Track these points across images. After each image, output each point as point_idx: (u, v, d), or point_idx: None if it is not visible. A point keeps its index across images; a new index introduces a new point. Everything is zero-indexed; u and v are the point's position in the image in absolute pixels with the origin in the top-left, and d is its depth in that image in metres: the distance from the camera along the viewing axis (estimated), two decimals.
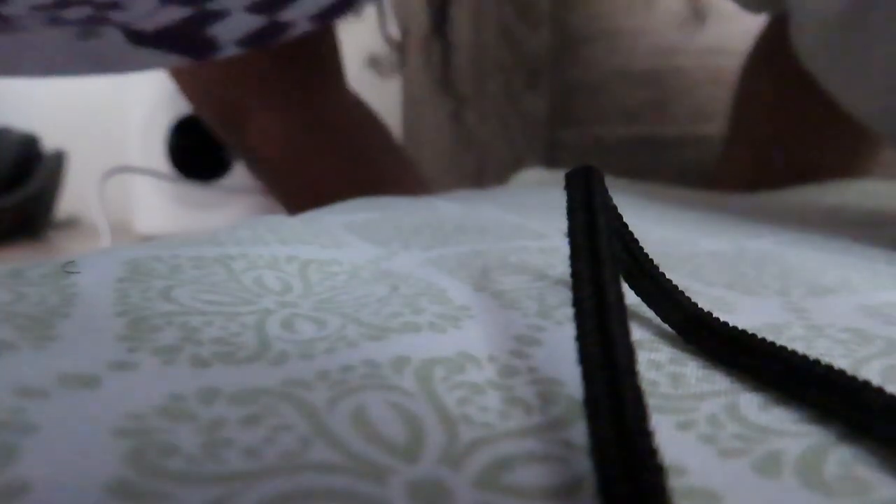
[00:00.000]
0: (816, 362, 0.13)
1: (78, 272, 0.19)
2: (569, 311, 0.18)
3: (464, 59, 0.95)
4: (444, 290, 0.20)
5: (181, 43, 0.35)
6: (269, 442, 0.11)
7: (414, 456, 0.11)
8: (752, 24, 0.84)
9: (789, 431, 0.13)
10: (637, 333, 0.17)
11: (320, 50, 0.51)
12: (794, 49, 0.37)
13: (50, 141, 1.06)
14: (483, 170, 0.97)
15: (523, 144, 0.94)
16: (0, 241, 0.75)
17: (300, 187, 0.55)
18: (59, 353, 0.14)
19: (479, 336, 0.17)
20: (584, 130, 0.93)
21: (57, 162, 0.80)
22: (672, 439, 0.12)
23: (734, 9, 0.85)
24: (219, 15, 0.33)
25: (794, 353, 0.14)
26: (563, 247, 0.26)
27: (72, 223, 0.93)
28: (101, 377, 0.13)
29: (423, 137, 0.97)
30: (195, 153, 0.76)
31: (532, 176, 0.73)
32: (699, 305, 0.17)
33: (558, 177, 0.74)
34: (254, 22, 0.35)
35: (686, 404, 0.14)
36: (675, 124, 0.89)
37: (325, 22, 0.37)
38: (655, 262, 0.17)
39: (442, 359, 0.15)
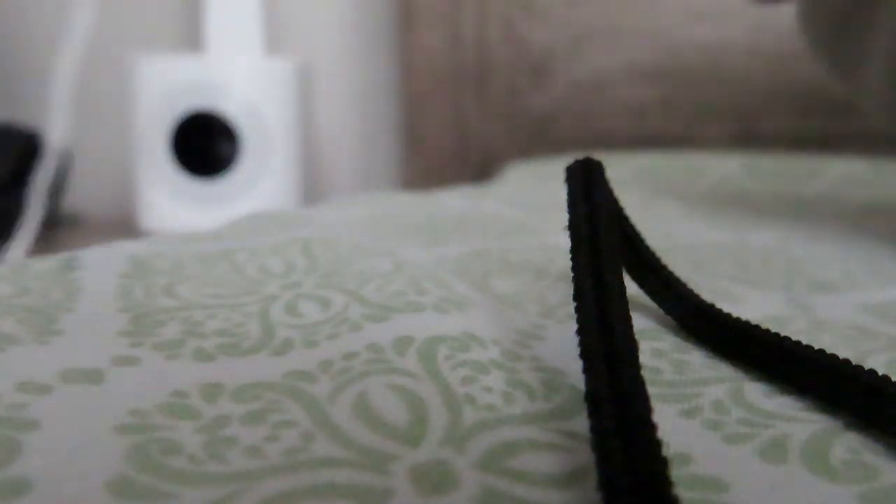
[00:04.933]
0: (821, 352, 0.13)
1: (82, 267, 0.19)
2: (570, 310, 0.18)
3: (468, 55, 0.95)
4: (447, 281, 0.20)
5: None
6: (272, 439, 0.11)
7: (417, 439, 0.11)
8: (758, 20, 0.84)
9: (796, 417, 0.13)
10: (640, 323, 0.17)
11: None
12: (801, 36, 0.37)
13: (54, 138, 1.06)
14: (486, 167, 0.97)
15: (527, 142, 0.94)
16: (3, 238, 0.75)
17: None
18: (63, 348, 0.14)
19: (483, 322, 0.17)
20: (588, 128, 0.92)
21: (61, 159, 0.80)
22: (677, 427, 0.12)
23: (738, 5, 0.84)
24: None
25: (798, 343, 0.14)
26: (563, 241, 0.26)
27: (77, 220, 0.93)
28: (104, 372, 0.13)
29: (425, 133, 0.97)
30: (199, 150, 0.76)
31: (524, 169, 0.73)
32: (701, 297, 0.17)
33: (553, 168, 0.74)
34: None
35: (691, 391, 0.14)
36: (679, 122, 0.89)
37: None
38: (657, 254, 0.17)
39: (446, 337, 0.15)
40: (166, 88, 0.71)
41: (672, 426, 0.12)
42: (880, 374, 0.12)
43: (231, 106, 0.72)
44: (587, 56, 0.92)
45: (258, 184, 0.73)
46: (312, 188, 1.09)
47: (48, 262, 0.19)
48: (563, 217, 0.31)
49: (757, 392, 0.14)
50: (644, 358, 0.15)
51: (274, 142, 0.74)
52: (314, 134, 1.06)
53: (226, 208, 0.74)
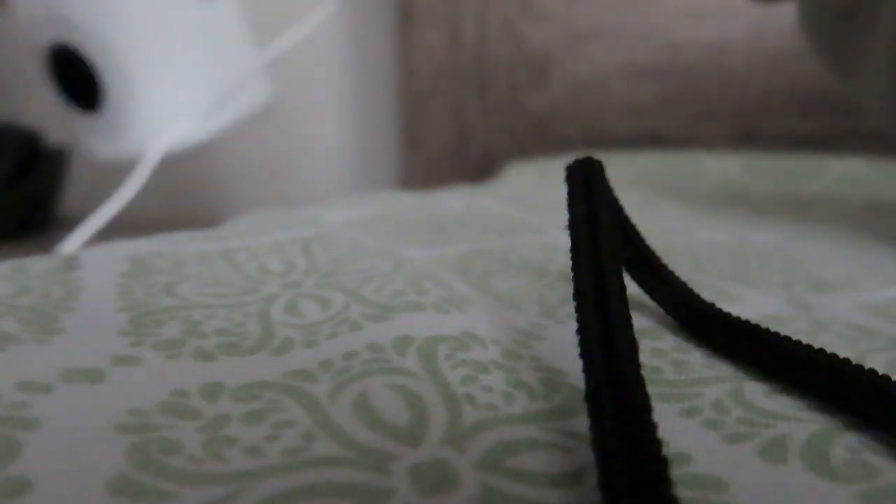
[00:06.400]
0: (822, 352, 0.13)
1: (82, 267, 0.19)
2: (570, 310, 0.18)
3: (467, 54, 0.95)
4: (447, 281, 0.20)
5: None
6: (272, 439, 0.11)
7: (417, 439, 0.11)
8: (758, 20, 0.84)
9: (796, 417, 0.13)
10: (640, 322, 0.17)
11: None
12: (801, 36, 0.37)
13: (52, 137, 1.06)
14: (486, 167, 0.97)
15: (527, 141, 0.94)
16: (2, 237, 0.75)
17: None
18: (63, 347, 0.14)
19: (483, 322, 0.17)
20: (588, 127, 0.93)
21: (59, 159, 0.80)
22: (677, 426, 0.12)
23: (739, 5, 0.84)
24: None
25: (798, 342, 0.14)
26: (563, 241, 0.26)
27: (74, 220, 0.93)
28: (104, 372, 0.13)
29: (425, 133, 0.97)
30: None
31: (524, 168, 0.73)
32: (701, 297, 0.17)
33: (553, 168, 0.74)
34: None
35: (691, 390, 0.14)
36: (679, 122, 0.89)
37: None
38: (657, 254, 0.17)
39: (446, 337, 0.15)
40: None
41: (672, 426, 0.12)
42: (880, 374, 0.12)
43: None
44: (587, 55, 0.92)
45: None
46: (312, 188, 1.09)
47: (48, 262, 0.19)
48: (563, 217, 0.31)
49: (757, 392, 0.14)
50: (644, 358, 0.15)
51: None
52: (314, 133, 1.06)
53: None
